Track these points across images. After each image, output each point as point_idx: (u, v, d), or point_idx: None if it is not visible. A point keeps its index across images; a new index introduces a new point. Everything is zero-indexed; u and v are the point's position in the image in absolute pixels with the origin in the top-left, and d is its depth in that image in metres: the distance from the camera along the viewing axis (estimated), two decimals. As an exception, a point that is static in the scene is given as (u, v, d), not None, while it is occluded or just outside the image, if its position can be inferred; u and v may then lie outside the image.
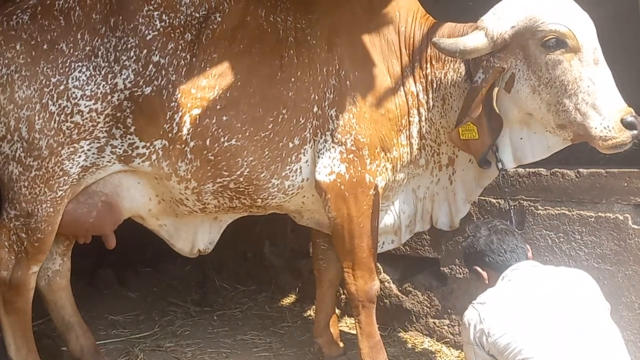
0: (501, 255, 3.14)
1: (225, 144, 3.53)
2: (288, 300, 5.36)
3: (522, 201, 4.04)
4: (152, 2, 3.57)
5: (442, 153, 3.72)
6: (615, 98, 3.12)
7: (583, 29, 3.13)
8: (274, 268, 5.56)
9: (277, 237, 5.50)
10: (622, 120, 3.06)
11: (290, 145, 3.62)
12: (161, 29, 3.54)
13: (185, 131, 3.50)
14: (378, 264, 4.73)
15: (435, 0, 5.28)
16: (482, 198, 4.15)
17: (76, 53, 3.46)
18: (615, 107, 3.09)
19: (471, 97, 3.28)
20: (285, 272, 5.45)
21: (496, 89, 3.27)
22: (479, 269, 3.23)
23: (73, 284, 5.42)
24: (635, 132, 3.07)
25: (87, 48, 3.47)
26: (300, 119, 3.61)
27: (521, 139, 3.43)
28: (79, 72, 3.44)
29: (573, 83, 3.13)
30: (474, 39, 3.26)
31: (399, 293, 4.72)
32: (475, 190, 3.83)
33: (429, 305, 4.57)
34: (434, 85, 3.61)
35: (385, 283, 4.77)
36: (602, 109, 3.09)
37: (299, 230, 4.72)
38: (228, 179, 3.59)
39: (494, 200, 4.16)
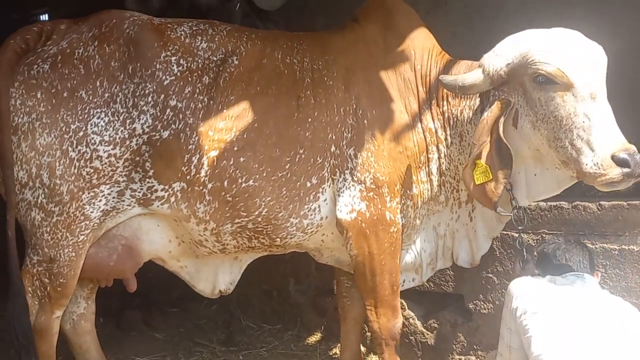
0: (560, 261, 3.22)
1: (243, 184, 3.56)
2: (313, 338, 5.33)
3: (544, 235, 4.00)
4: (170, 48, 3.63)
5: (462, 190, 3.71)
6: (610, 134, 3.02)
7: (575, 65, 3.07)
8: (298, 306, 5.54)
9: (301, 275, 5.49)
10: (613, 157, 2.96)
11: (308, 184, 3.64)
12: (178, 74, 3.59)
13: (203, 173, 3.54)
14: (402, 300, 4.72)
15: (452, 33, 5.37)
16: (505, 232, 4.11)
17: (95, 100, 3.51)
18: (608, 142, 2.99)
19: (478, 129, 3.28)
20: (310, 310, 5.43)
21: (502, 120, 3.24)
22: (533, 267, 3.39)
23: (100, 326, 5.48)
24: (627, 170, 2.96)
25: (106, 95, 3.53)
26: (318, 158, 3.63)
27: (535, 175, 3.42)
28: (98, 118, 3.50)
29: (567, 119, 3.08)
30: (472, 76, 3.30)
31: (424, 330, 4.67)
32: (497, 227, 3.82)
33: (455, 341, 4.51)
34: (451, 122, 3.62)
35: (410, 319, 4.73)
36: (595, 145, 3.01)
37: (322, 267, 4.71)
38: (246, 219, 3.61)
39: (516, 235, 4.10)
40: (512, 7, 5.20)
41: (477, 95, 3.47)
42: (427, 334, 4.65)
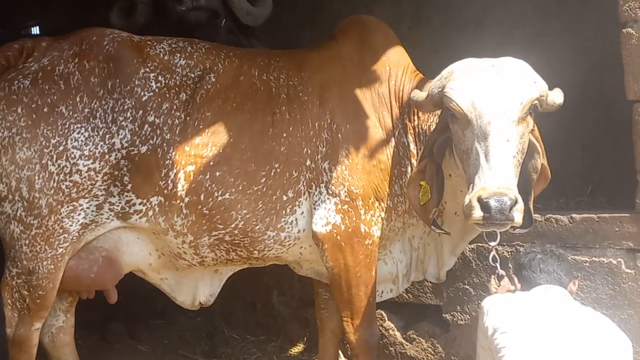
0: (535, 272, 3.22)
1: (219, 198, 3.63)
2: (296, 349, 5.39)
3: (518, 247, 4.07)
4: (149, 65, 3.71)
5: None
6: (489, 176, 2.94)
7: (475, 102, 3.05)
8: (282, 317, 5.61)
9: (284, 287, 5.56)
10: (479, 199, 2.88)
11: (284, 198, 3.70)
12: (157, 90, 3.67)
13: (180, 187, 3.61)
14: (382, 312, 4.80)
15: (434, 50, 5.47)
16: (481, 245, 4.19)
17: (75, 115, 3.59)
18: (482, 184, 2.93)
19: (424, 147, 3.41)
20: (293, 322, 5.50)
21: (438, 141, 3.33)
22: (507, 282, 3.40)
23: (85, 338, 5.56)
24: (487, 214, 2.86)
25: (86, 110, 3.60)
26: (294, 172, 3.70)
27: (455, 214, 3.54)
28: (78, 133, 3.57)
29: (467, 153, 3.09)
30: (422, 94, 3.36)
31: (403, 341, 4.75)
32: (460, 244, 3.89)
33: (432, 352, 4.59)
34: (421, 137, 3.70)
35: (390, 331, 4.81)
36: (474, 184, 2.98)
37: (305, 279, 4.76)
38: (223, 231, 3.67)
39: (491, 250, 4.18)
40: (491, 24, 5.30)
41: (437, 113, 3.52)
42: (407, 345, 4.72)
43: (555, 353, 2.88)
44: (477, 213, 2.90)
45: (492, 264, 3.46)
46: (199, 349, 5.50)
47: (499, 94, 3.06)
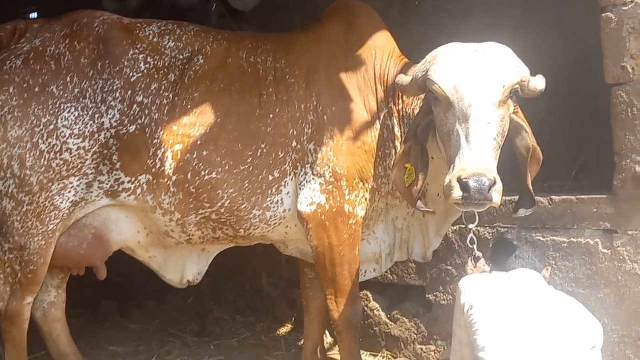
0: (509, 258, 3.31)
1: (206, 177, 3.71)
2: (284, 329, 5.48)
3: (499, 229, 4.16)
4: (138, 46, 3.80)
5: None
6: (470, 157, 3.01)
7: (457, 85, 3.12)
8: (270, 299, 5.70)
9: (273, 268, 5.65)
10: (459, 179, 2.95)
11: (270, 178, 3.79)
12: (145, 71, 3.76)
13: (167, 166, 3.69)
14: (367, 292, 4.89)
15: (423, 34, 5.53)
16: (463, 227, 4.26)
17: (66, 95, 3.67)
18: (462, 165, 3.00)
19: (408, 130, 3.48)
20: (282, 302, 5.59)
21: (423, 124, 3.41)
22: (484, 264, 3.49)
23: (78, 316, 5.65)
24: (466, 194, 2.93)
25: (76, 90, 3.69)
26: (280, 153, 3.79)
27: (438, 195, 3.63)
28: (68, 112, 3.66)
29: (449, 135, 3.16)
30: (407, 78, 3.44)
31: (387, 321, 4.83)
32: (444, 225, 3.99)
33: (416, 332, 4.68)
34: (405, 121, 3.77)
35: (375, 311, 4.89)
36: (454, 165, 3.04)
37: (293, 261, 4.86)
38: (210, 210, 3.76)
39: (475, 229, 4.26)
40: (480, 11, 5.36)
41: (421, 97, 3.60)
42: (391, 325, 4.81)
43: (527, 331, 2.95)
44: (457, 193, 2.97)
45: (470, 246, 3.53)
46: (189, 328, 5.58)
47: (481, 78, 3.13)
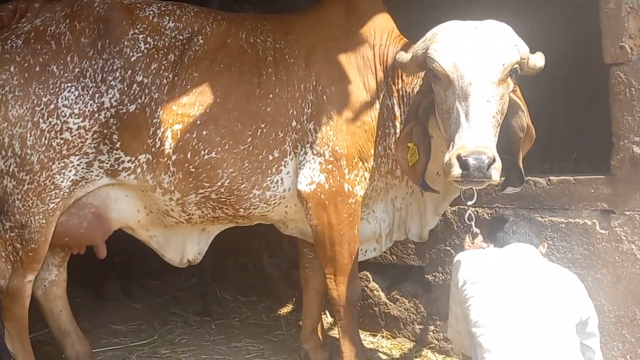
0: (507, 233, 3.34)
1: (206, 156, 3.74)
2: (285, 309, 5.53)
3: (497, 209, 4.18)
4: (138, 26, 3.81)
5: None
6: (469, 135, 3.02)
7: (457, 63, 3.12)
8: (272, 279, 5.75)
9: (275, 249, 5.69)
10: (459, 157, 2.96)
11: (270, 157, 3.81)
12: (145, 51, 3.77)
13: (167, 145, 3.72)
14: (367, 273, 4.92)
15: (427, 17, 5.49)
16: (462, 207, 4.29)
17: (66, 74, 3.69)
18: (461, 143, 3.01)
19: (409, 109, 3.48)
20: (283, 283, 5.64)
21: (424, 103, 3.41)
22: (482, 240, 3.53)
23: (81, 296, 5.71)
24: (465, 172, 2.95)
25: (76, 70, 3.70)
26: (279, 133, 3.80)
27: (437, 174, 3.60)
28: (69, 92, 3.67)
29: (448, 112, 3.17)
30: (406, 56, 3.44)
31: (387, 301, 4.87)
32: (442, 204, 4.00)
33: (415, 312, 4.71)
34: (405, 100, 3.78)
35: (374, 291, 4.93)
36: (454, 143, 3.06)
37: (295, 241, 4.90)
38: (209, 189, 3.79)
39: (473, 209, 4.27)
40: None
41: (421, 75, 3.61)
42: (390, 305, 4.84)
43: (520, 305, 2.98)
44: (456, 170, 2.98)
45: (468, 222, 3.55)
46: (191, 308, 5.64)
47: (481, 56, 3.13)
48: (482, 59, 3.12)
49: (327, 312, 5.00)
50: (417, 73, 3.62)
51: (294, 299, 5.51)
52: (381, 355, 4.58)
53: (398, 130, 3.80)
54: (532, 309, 2.99)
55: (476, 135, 3.02)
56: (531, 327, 2.94)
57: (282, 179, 3.85)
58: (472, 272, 3.15)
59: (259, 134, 3.78)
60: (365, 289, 4.95)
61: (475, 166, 2.94)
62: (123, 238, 4.20)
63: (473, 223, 3.56)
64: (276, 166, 3.83)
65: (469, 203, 3.53)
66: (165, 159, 3.73)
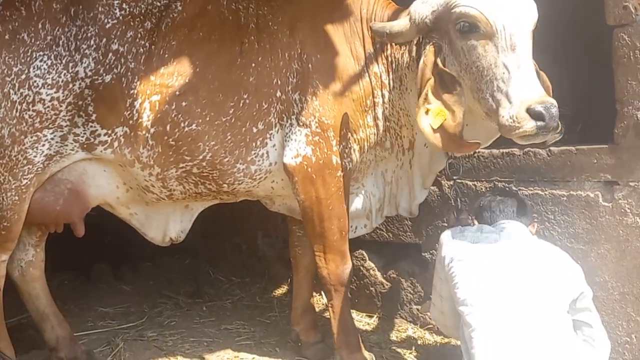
0: (494, 213, 3.25)
1: (186, 129, 3.55)
2: (279, 291, 5.36)
3: (496, 182, 3.97)
4: (113, -9, 3.61)
5: (404, 136, 3.71)
6: (528, 86, 2.92)
7: (498, 12, 2.99)
8: (266, 259, 5.58)
9: (269, 228, 5.51)
10: (528, 109, 2.86)
11: (254, 130, 3.62)
12: (120, 18, 3.58)
13: (145, 117, 3.53)
14: (363, 252, 4.74)
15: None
16: (459, 181, 4.09)
17: (37, 42, 3.50)
18: (524, 95, 2.90)
19: (419, 74, 3.21)
20: (277, 263, 5.46)
21: (439, 60, 3.18)
22: (467, 217, 3.46)
23: (71, 279, 5.56)
24: (541, 123, 2.85)
25: (49, 37, 3.51)
26: (263, 104, 3.61)
27: (467, 125, 3.27)
28: (40, 61, 3.49)
29: (488, 69, 3.01)
30: (399, 23, 3.26)
31: (383, 280, 4.69)
32: (429, 176, 3.82)
33: (412, 291, 4.54)
34: (394, 66, 3.60)
35: (371, 271, 4.76)
36: (513, 97, 2.91)
37: (290, 220, 4.76)
38: (190, 163, 3.60)
39: (470, 183, 4.08)
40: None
41: (414, 41, 3.41)
42: (387, 285, 4.67)
43: (507, 283, 2.87)
44: (530, 124, 2.86)
45: (453, 197, 3.40)
46: (183, 290, 5.47)
47: (519, 7, 3.03)
48: (520, 10, 3.03)
49: (322, 293, 4.82)
50: (410, 40, 3.39)
51: (289, 279, 5.33)
52: (377, 337, 4.41)
53: (387, 99, 3.61)
54: (520, 288, 2.89)
55: (536, 86, 2.94)
56: (519, 306, 2.84)
57: (267, 152, 3.67)
58: (458, 249, 3.03)
59: (241, 105, 3.59)
60: (362, 268, 4.78)
61: (552, 115, 2.85)
62: (114, 220, 4.02)
63: (458, 198, 3.40)
64: (261, 139, 3.64)
65: (455, 177, 3.35)
66: (144, 132, 3.55)
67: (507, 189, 3.75)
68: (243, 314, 4.94)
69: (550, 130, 2.89)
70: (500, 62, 2.98)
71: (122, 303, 5.17)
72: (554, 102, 2.89)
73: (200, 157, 3.60)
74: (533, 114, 2.85)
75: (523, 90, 2.92)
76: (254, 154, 3.65)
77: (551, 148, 3.75)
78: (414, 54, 3.46)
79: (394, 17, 3.56)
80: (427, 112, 3.16)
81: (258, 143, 3.64)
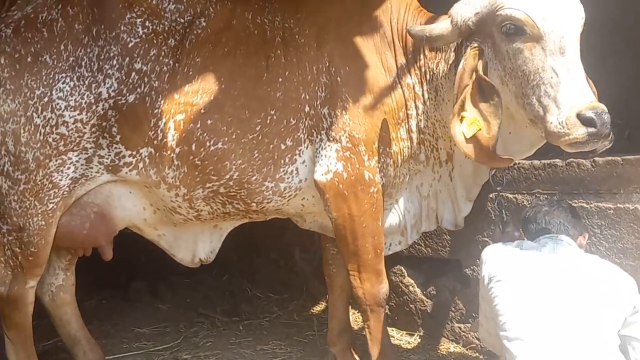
0: (541, 225, 3.06)
1: (212, 147, 3.45)
2: (318, 307, 5.23)
3: (538, 195, 3.78)
4: (135, 10, 3.53)
5: (441, 148, 3.56)
6: (577, 91, 2.80)
7: (546, 15, 2.86)
8: (304, 275, 5.44)
9: (306, 243, 5.36)
10: (579, 115, 2.74)
11: (283, 146, 3.50)
12: (143, 36, 3.49)
13: (170, 137, 3.44)
14: (401, 267, 4.58)
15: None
16: (500, 194, 3.90)
17: (60, 64, 3.44)
18: (574, 100, 2.78)
19: (457, 79, 3.08)
20: (315, 279, 5.30)
21: (480, 65, 3.05)
22: (513, 230, 3.30)
23: (109, 298, 5.52)
24: (592, 129, 2.74)
25: (71, 58, 3.45)
26: (291, 119, 3.49)
27: (510, 133, 3.18)
28: (63, 83, 3.42)
29: (535, 74, 2.88)
30: (439, 26, 3.14)
31: (423, 297, 4.52)
32: (473, 189, 3.65)
33: (454, 309, 4.35)
34: (428, 77, 3.45)
35: (410, 287, 4.59)
36: (561, 103, 2.79)
37: (328, 236, 4.62)
38: (217, 183, 3.50)
39: (511, 196, 3.90)
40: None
41: (452, 48, 3.27)
42: (427, 302, 4.50)
43: (550, 304, 2.68)
44: (581, 130, 2.75)
45: (498, 209, 3.22)
46: (220, 307, 5.36)
47: (567, 9, 2.92)
48: (568, 12, 2.92)
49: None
50: (449, 45, 3.27)
51: (327, 296, 5.19)
52: (418, 356, 4.25)
53: (421, 111, 3.47)
54: (565, 311, 2.69)
55: (586, 90, 2.83)
56: (564, 332, 2.63)
57: (297, 169, 3.54)
58: (497, 268, 2.84)
59: (268, 121, 3.47)
60: (400, 284, 4.61)
61: (604, 121, 2.74)
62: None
63: (504, 210, 3.23)
64: (289, 155, 3.52)
65: (498, 189, 3.19)
66: (169, 152, 3.45)
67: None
68: (280, 332, 4.81)
69: (602, 137, 2.76)
70: (548, 66, 2.85)
71: (158, 323, 5.08)
72: (605, 108, 2.75)
73: (227, 176, 3.49)
74: (584, 120, 2.73)
75: (573, 95, 2.78)
76: (283, 171, 3.53)
77: (595, 158, 3.54)
78: (451, 61, 3.32)
79: (428, 24, 3.41)
80: (461, 119, 3.04)
81: (287, 160, 3.52)
